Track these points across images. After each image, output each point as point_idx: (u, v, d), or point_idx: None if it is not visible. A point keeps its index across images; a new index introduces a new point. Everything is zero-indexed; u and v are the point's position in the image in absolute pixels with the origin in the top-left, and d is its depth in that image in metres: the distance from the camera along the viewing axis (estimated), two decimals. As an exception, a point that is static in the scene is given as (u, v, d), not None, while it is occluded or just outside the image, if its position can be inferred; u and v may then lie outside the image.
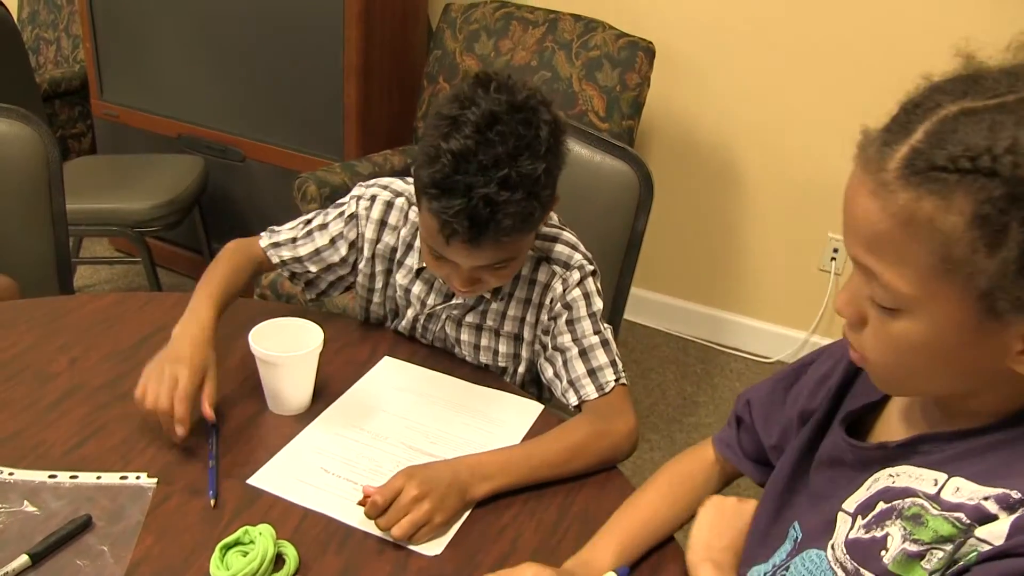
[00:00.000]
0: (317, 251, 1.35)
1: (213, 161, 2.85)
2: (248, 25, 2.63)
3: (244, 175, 2.84)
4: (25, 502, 1.02)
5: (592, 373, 1.24)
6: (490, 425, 1.25)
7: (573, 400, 1.24)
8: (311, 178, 2.29)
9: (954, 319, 0.69)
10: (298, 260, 1.36)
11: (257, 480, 1.09)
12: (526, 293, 1.31)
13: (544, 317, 1.30)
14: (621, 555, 1.00)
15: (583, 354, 1.25)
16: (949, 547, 0.72)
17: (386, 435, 1.21)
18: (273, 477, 1.10)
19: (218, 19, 2.68)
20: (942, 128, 0.66)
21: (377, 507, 1.03)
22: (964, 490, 0.73)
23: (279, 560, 0.97)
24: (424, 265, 1.30)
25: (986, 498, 0.70)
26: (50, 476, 1.07)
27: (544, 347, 1.30)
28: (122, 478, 1.07)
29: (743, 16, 2.62)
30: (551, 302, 1.28)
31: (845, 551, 0.81)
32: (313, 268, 1.37)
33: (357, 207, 1.34)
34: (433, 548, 1.03)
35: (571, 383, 1.24)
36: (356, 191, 1.36)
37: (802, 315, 2.90)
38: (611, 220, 1.67)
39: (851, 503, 0.83)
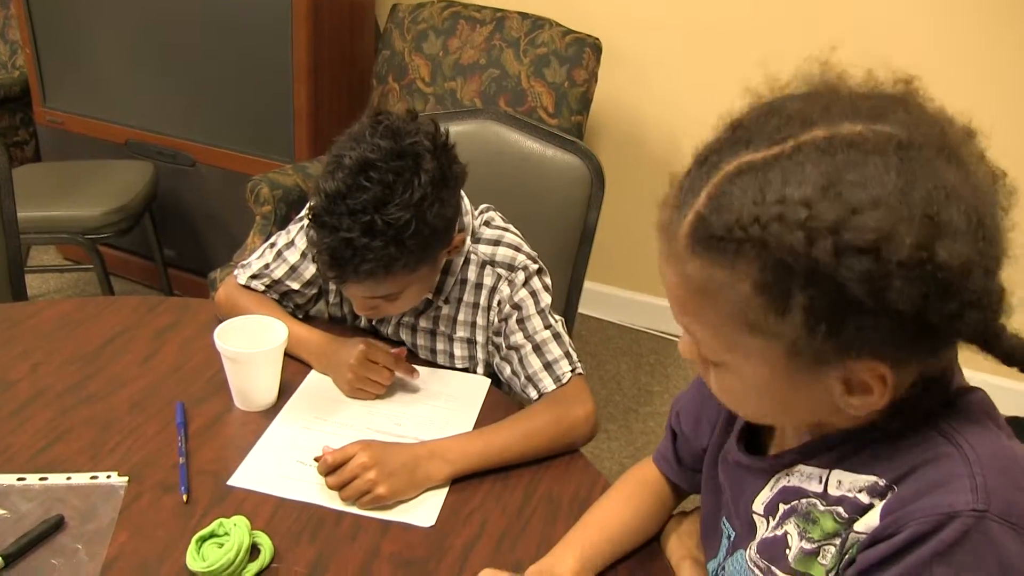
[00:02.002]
0: (292, 268, 1.38)
1: (163, 166, 2.83)
2: (195, 28, 2.62)
3: (195, 180, 2.83)
4: (-5, 505, 1.03)
5: (548, 367, 1.27)
6: (448, 402, 1.30)
7: (533, 395, 1.28)
8: (264, 180, 2.29)
9: (770, 371, 0.70)
10: (278, 282, 1.39)
11: (236, 480, 1.11)
12: (473, 297, 1.34)
13: (494, 319, 1.32)
14: (583, 562, 0.99)
15: (537, 349, 1.28)
16: (837, 542, 0.75)
17: (351, 423, 1.24)
18: (251, 475, 1.12)
19: (163, 22, 2.66)
20: (720, 191, 0.65)
21: (327, 465, 1.10)
22: (844, 482, 0.76)
23: (254, 550, 0.99)
24: None
25: (860, 489, 0.74)
26: (19, 479, 1.07)
27: (498, 348, 1.33)
28: (92, 478, 1.08)
29: (687, 11, 2.68)
30: (499, 304, 1.31)
31: (757, 551, 0.85)
32: (295, 285, 1.39)
33: None
34: (425, 519, 1.08)
35: (529, 379, 1.28)
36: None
37: (750, 303, 2.96)
38: (564, 214, 1.70)
39: (759, 504, 0.86)
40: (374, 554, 1.02)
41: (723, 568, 0.91)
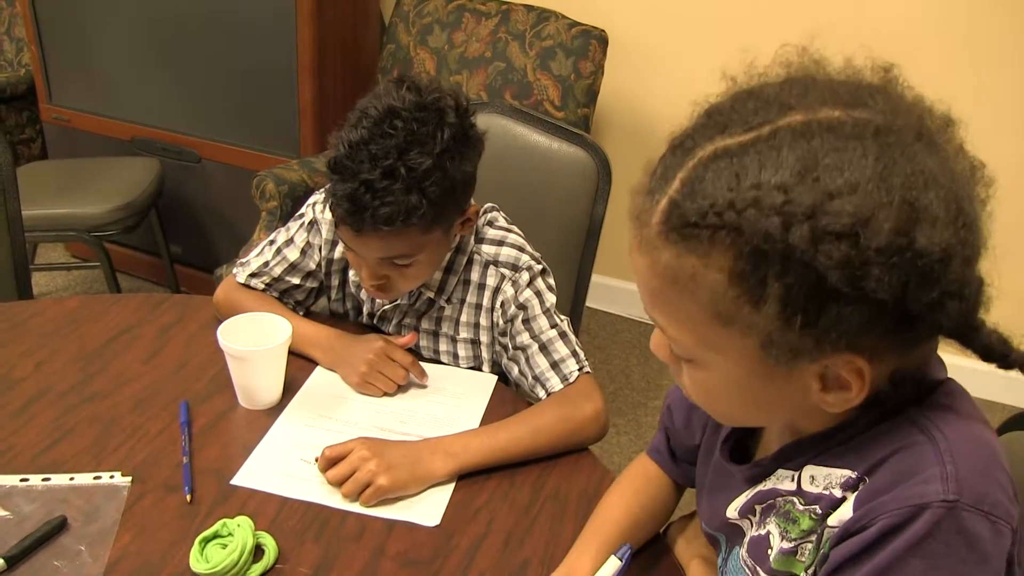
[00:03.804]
0: (292, 265, 1.37)
1: (169, 163, 2.82)
2: (199, 24, 2.61)
3: (200, 176, 2.82)
4: (-3, 506, 1.02)
5: (555, 366, 1.26)
6: (453, 399, 1.28)
7: (541, 394, 1.26)
8: (269, 176, 2.28)
9: (744, 367, 0.68)
10: (278, 279, 1.38)
11: (240, 479, 1.10)
12: (476, 298, 1.33)
13: (499, 320, 1.31)
14: (600, 559, 0.97)
15: (543, 349, 1.27)
16: (813, 538, 0.74)
17: (356, 420, 1.22)
18: (255, 474, 1.11)
19: (168, 19, 2.65)
20: (695, 177, 0.64)
21: (327, 460, 1.09)
22: (817, 476, 0.74)
23: (258, 551, 0.98)
24: None
25: (834, 485, 0.72)
26: (22, 479, 1.06)
27: (505, 348, 1.32)
28: (95, 478, 1.07)
29: (693, 1, 2.65)
30: (503, 305, 1.30)
31: (747, 551, 0.84)
32: (295, 280, 1.39)
33: (314, 212, 1.36)
34: (430, 518, 1.06)
35: (536, 379, 1.26)
36: (312, 198, 1.39)
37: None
38: (570, 207, 1.69)
39: (732, 510, 0.86)
40: (379, 554, 1.01)
41: (725, 563, 0.90)
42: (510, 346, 1.30)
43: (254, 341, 1.19)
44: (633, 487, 1.07)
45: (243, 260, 1.40)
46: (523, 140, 1.71)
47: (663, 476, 1.08)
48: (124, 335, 1.37)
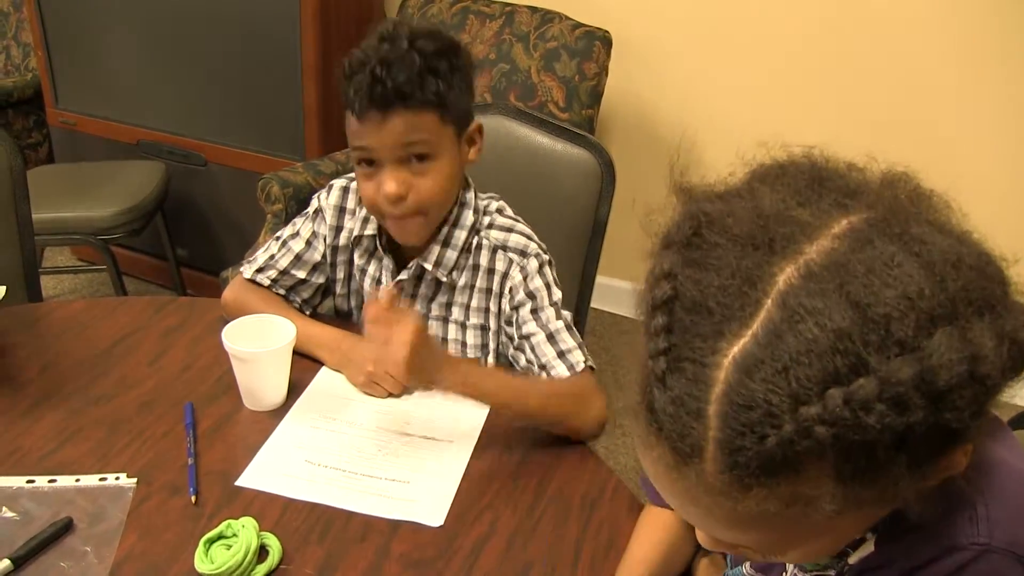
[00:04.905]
0: (298, 256, 1.38)
1: (175, 166, 2.83)
2: (204, 27, 2.62)
3: (206, 179, 2.83)
4: (3, 508, 1.03)
5: (562, 355, 1.27)
6: (457, 400, 1.27)
7: None
8: (274, 179, 2.28)
9: (858, 527, 0.64)
10: (284, 273, 1.39)
11: (245, 480, 1.10)
12: (486, 282, 1.34)
13: (506, 306, 1.32)
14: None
15: (551, 338, 1.28)
16: (831, 573, 0.72)
17: (360, 422, 1.23)
18: (260, 475, 1.11)
19: (173, 22, 2.66)
20: (736, 405, 0.52)
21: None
22: None
23: (263, 552, 0.98)
24: (375, 232, 1.33)
25: None
26: (28, 481, 1.07)
27: (511, 338, 1.33)
28: (101, 479, 1.08)
29: (697, 1, 2.65)
30: (511, 290, 1.31)
31: (752, 566, 0.83)
32: (301, 273, 1.39)
33: (319, 202, 1.38)
34: (434, 519, 1.07)
35: (543, 367, 1.27)
36: (318, 192, 1.40)
37: (765, 296, 2.93)
38: (574, 208, 1.69)
39: None
40: (383, 555, 1.01)
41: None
42: (516, 336, 1.31)
43: (258, 343, 1.20)
44: (647, 534, 1.03)
45: (250, 257, 1.41)
46: (527, 141, 1.71)
47: (674, 517, 1.04)
48: (129, 338, 1.37)
